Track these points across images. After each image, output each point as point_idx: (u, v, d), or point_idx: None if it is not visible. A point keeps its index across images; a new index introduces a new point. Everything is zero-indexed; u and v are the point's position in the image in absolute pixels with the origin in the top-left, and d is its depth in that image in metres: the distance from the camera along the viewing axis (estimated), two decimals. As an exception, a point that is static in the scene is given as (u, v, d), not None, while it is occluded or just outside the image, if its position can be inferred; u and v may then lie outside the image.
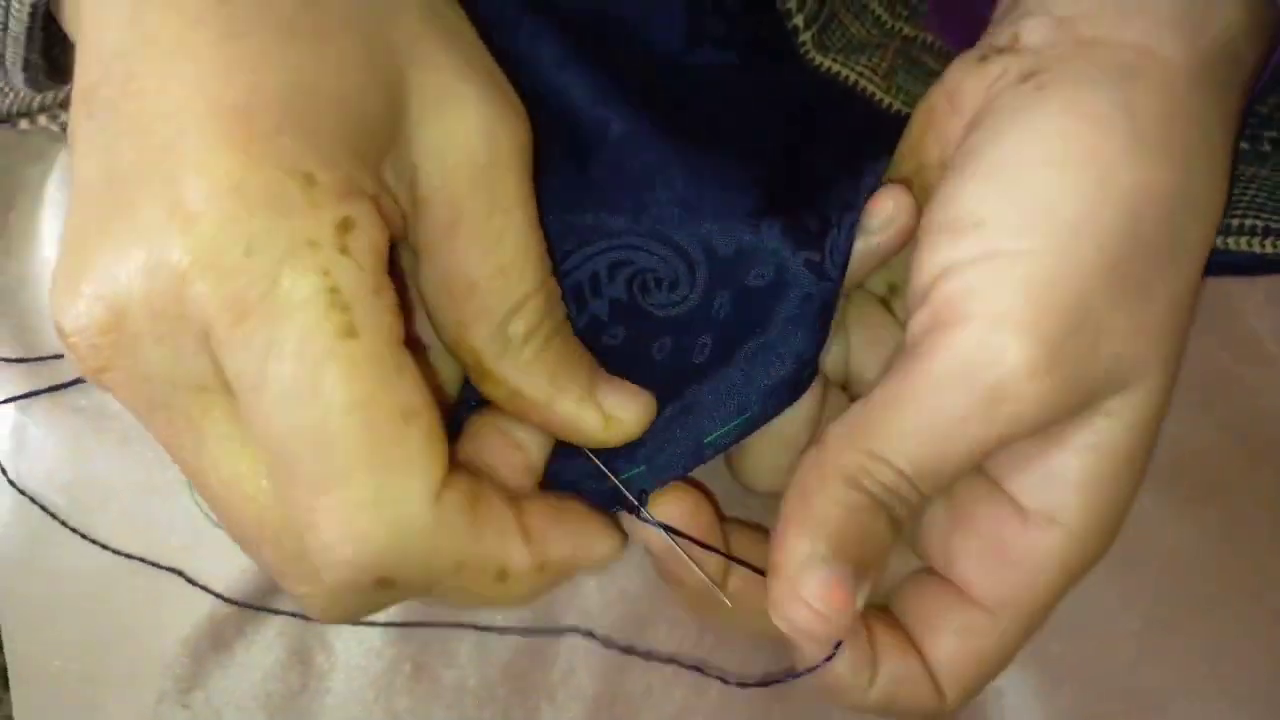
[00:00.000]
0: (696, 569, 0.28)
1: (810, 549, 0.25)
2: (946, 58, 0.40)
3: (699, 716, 0.32)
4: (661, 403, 0.29)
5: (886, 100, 0.38)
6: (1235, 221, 0.34)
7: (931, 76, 0.39)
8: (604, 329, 0.31)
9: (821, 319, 0.29)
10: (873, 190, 0.29)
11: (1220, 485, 0.35)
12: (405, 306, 0.24)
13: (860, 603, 0.25)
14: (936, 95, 0.31)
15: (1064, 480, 0.26)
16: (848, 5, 0.39)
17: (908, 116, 0.38)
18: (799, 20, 0.37)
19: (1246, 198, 0.34)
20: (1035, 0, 0.29)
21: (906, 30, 0.40)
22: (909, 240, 0.28)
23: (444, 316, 0.26)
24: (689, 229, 0.30)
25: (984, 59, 0.29)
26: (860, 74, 0.38)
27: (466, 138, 0.25)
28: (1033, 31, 0.29)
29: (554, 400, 0.26)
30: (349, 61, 0.23)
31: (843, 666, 0.28)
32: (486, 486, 0.25)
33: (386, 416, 0.21)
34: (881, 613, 0.30)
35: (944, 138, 0.30)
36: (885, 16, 0.40)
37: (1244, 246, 0.34)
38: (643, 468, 0.29)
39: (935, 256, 0.26)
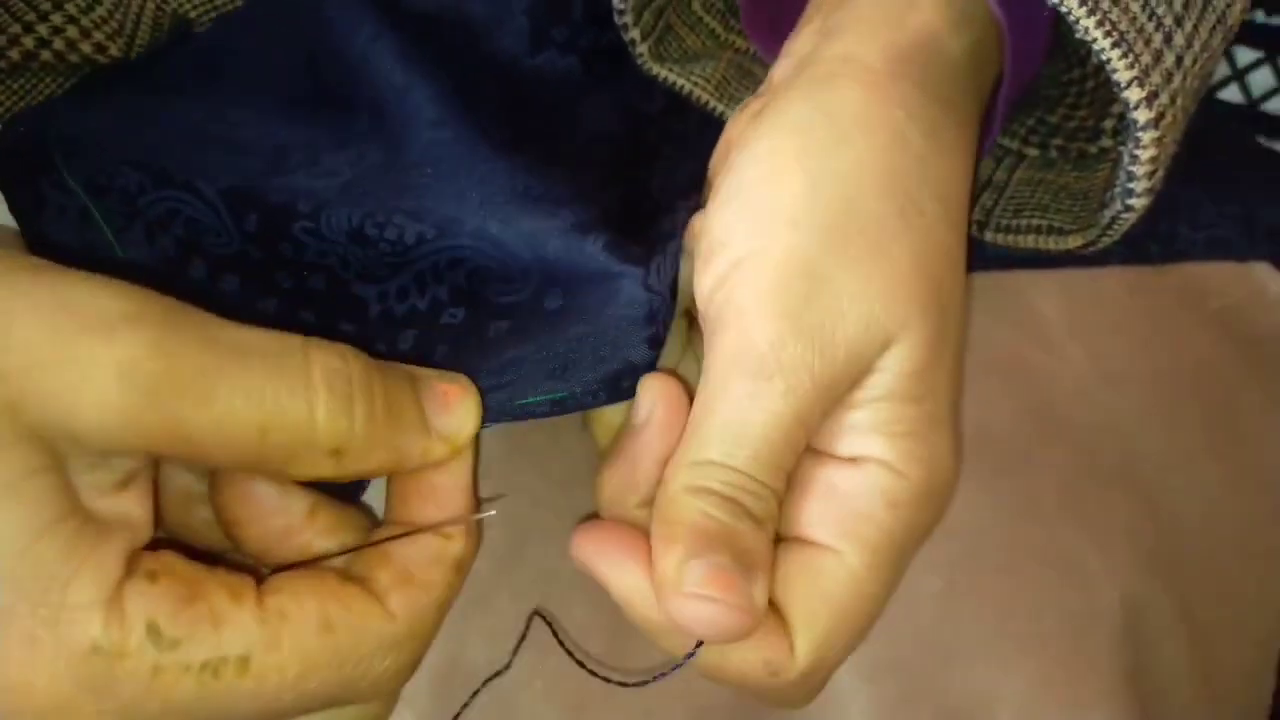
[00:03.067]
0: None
1: (680, 551, 0.27)
2: (775, 69, 0.43)
3: (539, 681, 0.34)
4: (483, 364, 0.31)
5: (719, 108, 0.41)
6: (1023, 221, 0.37)
7: (760, 85, 0.42)
8: (444, 309, 0.33)
9: (650, 328, 0.30)
10: (686, 219, 0.32)
11: (1016, 462, 0.38)
12: None
13: (760, 597, 0.27)
14: (718, 149, 0.33)
15: (868, 429, 0.29)
16: (683, 17, 0.41)
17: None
18: (635, 34, 0.39)
19: (1034, 200, 0.38)
20: (787, 47, 0.33)
21: (738, 42, 0.43)
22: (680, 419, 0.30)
23: (266, 475, 0.27)
24: (517, 233, 0.31)
25: (743, 108, 0.32)
26: (695, 84, 0.41)
27: (99, 403, 0.23)
28: (777, 72, 0.33)
29: (401, 460, 0.28)
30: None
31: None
32: None
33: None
34: None
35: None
36: (719, 29, 0.42)
37: (1030, 244, 0.37)
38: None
39: (703, 287, 0.30)
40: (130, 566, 0.24)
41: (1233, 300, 0.44)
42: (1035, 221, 0.37)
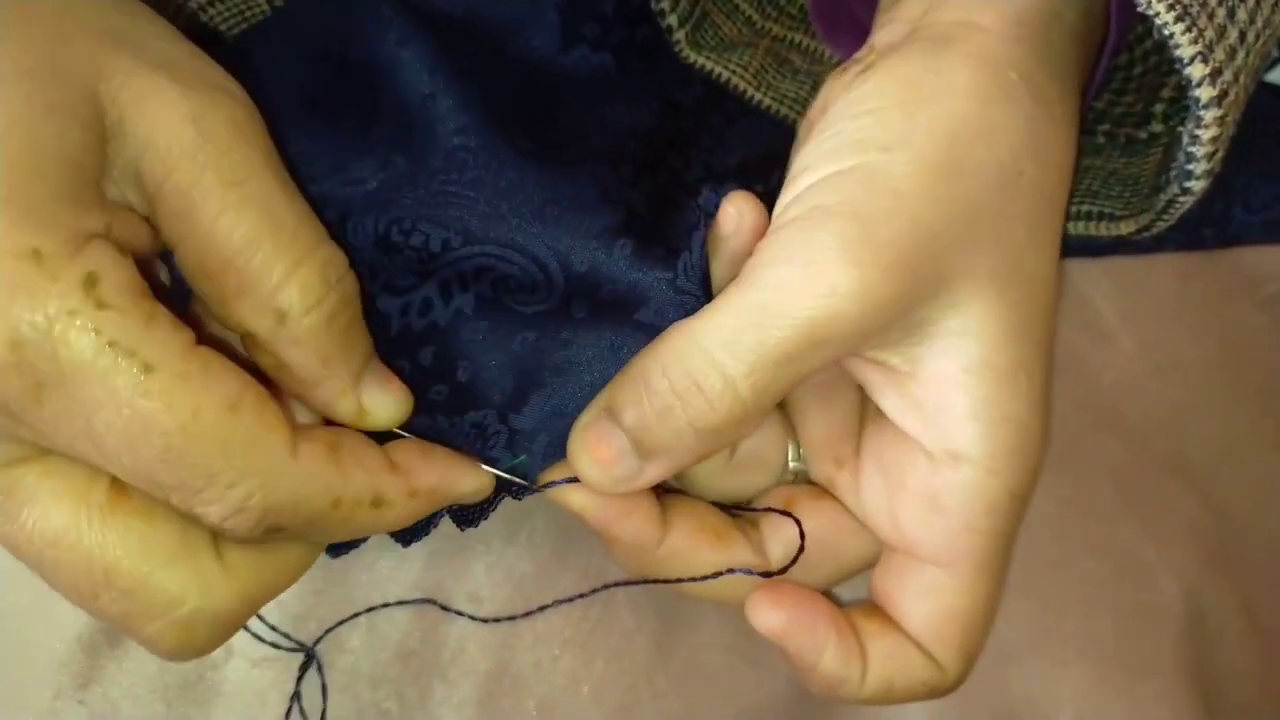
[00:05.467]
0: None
1: (593, 412, 0.29)
2: (813, 57, 0.42)
3: (585, 685, 0.34)
4: (524, 391, 0.31)
5: (756, 96, 0.40)
6: (1073, 207, 0.36)
7: (798, 74, 0.41)
8: (466, 322, 0.32)
9: None
10: (713, 209, 0.31)
11: (1068, 454, 0.37)
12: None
13: (642, 479, 0.28)
14: (813, 110, 0.32)
15: (950, 412, 0.28)
16: (719, 5, 0.41)
17: (774, 110, 0.40)
18: (672, 20, 0.38)
19: (1083, 186, 0.37)
20: (890, 14, 0.32)
21: (775, 30, 0.42)
22: (762, 234, 0.30)
23: (210, 298, 0.26)
24: (545, 243, 0.31)
25: (844, 70, 0.31)
26: (733, 71, 0.40)
27: (171, 124, 0.25)
28: (882, 36, 0.31)
29: (320, 382, 0.27)
30: (30, 108, 0.22)
31: (831, 662, 0.29)
32: (349, 435, 0.27)
33: (216, 417, 0.23)
34: (861, 604, 0.31)
35: None
36: (755, 16, 0.42)
37: (1081, 230, 0.36)
38: (524, 457, 0.30)
39: (778, 208, 0.29)
40: (108, 244, 0.23)
41: (1286, 285, 0.43)
42: (1086, 208, 0.36)
